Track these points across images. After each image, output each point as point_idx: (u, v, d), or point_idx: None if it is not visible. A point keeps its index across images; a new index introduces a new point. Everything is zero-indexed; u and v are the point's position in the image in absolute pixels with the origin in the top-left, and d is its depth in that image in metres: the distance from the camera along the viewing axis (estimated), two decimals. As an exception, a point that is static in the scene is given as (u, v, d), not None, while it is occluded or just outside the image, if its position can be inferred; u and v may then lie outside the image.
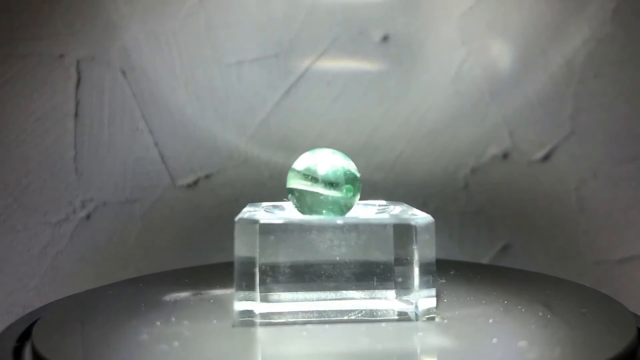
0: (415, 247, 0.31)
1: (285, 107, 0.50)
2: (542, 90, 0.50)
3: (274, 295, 0.32)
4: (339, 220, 0.32)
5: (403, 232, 0.32)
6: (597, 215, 0.50)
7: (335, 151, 0.35)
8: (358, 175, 0.34)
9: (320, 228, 0.32)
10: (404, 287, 0.32)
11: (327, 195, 0.33)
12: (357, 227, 0.32)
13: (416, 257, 0.31)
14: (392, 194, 0.50)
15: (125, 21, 0.49)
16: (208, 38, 0.49)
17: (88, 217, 0.49)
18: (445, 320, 0.31)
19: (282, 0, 0.50)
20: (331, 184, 0.33)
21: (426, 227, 0.31)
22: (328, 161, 0.33)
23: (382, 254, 0.32)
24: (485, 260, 0.51)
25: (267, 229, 0.31)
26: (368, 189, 0.50)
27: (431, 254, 0.31)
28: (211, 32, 0.49)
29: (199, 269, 0.44)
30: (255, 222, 0.31)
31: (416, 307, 0.31)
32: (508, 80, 0.50)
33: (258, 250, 0.31)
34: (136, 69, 0.49)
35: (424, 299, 0.31)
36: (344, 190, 0.33)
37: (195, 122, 0.50)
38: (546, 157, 0.50)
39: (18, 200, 0.48)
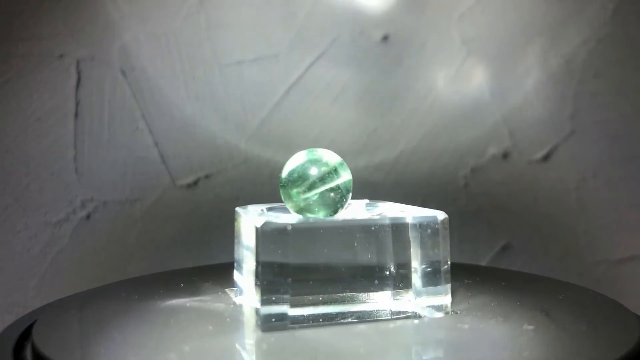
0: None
1: (285, 107, 0.50)
2: (542, 90, 0.50)
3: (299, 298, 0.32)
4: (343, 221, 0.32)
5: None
6: (597, 215, 0.50)
7: (314, 151, 0.34)
8: (322, 177, 0.33)
9: (329, 229, 0.32)
10: (405, 287, 0.32)
11: (295, 196, 0.33)
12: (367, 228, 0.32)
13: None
14: (392, 194, 0.50)
15: (125, 21, 0.49)
16: (208, 38, 0.49)
17: (88, 217, 0.49)
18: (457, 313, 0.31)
19: (282, 0, 0.50)
20: (294, 185, 0.33)
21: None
22: (295, 162, 0.33)
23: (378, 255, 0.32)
24: (485, 260, 0.51)
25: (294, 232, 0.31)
26: (368, 188, 0.50)
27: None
28: (211, 32, 0.49)
29: (199, 269, 0.44)
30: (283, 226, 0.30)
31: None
32: (508, 80, 0.50)
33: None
34: (136, 69, 0.49)
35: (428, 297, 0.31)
36: (294, 192, 0.32)
37: (195, 122, 0.50)
38: (546, 157, 0.50)
39: (18, 200, 0.48)
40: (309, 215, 0.33)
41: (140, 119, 0.49)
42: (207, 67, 0.50)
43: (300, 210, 0.33)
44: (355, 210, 0.36)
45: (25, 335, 0.31)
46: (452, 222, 0.51)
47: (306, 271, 0.31)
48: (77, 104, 0.49)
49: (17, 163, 0.48)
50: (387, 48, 0.50)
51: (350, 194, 0.33)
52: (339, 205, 0.33)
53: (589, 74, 0.49)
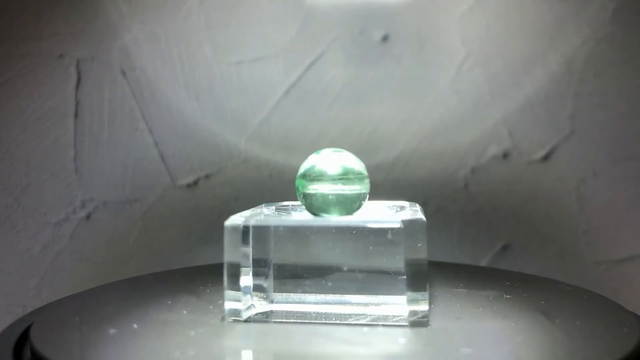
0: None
1: (285, 107, 0.50)
2: (542, 90, 0.50)
3: (278, 296, 0.32)
4: (339, 222, 0.32)
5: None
6: (597, 215, 0.50)
7: (320, 152, 0.34)
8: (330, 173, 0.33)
9: (320, 230, 0.32)
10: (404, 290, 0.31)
11: (312, 193, 0.33)
12: (361, 230, 0.32)
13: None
14: (392, 194, 0.50)
15: (125, 21, 0.49)
16: (208, 38, 0.49)
17: (88, 217, 0.49)
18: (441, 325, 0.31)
19: (282, 0, 0.50)
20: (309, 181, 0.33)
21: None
22: (311, 159, 0.34)
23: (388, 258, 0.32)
24: (485, 260, 0.51)
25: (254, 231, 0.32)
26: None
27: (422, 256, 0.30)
28: (211, 32, 0.49)
29: (198, 269, 0.44)
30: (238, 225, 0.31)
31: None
32: (508, 80, 0.50)
33: (242, 252, 0.31)
34: (136, 69, 0.49)
35: (415, 302, 0.30)
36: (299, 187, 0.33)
37: (195, 122, 0.50)
38: (546, 157, 0.50)
39: (18, 200, 0.48)
40: (323, 214, 0.33)
41: (140, 119, 0.49)
42: (207, 67, 0.50)
43: (307, 206, 0.33)
44: (360, 212, 0.36)
45: (25, 336, 0.31)
46: (452, 222, 0.51)
47: (267, 269, 0.32)
48: (77, 104, 0.49)
49: (17, 163, 0.48)
50: (387, 48, 0.50)
51: (362, 199, 0.34)
52: (347, 208, 0.33)
53: (589, 74, 0.49)
